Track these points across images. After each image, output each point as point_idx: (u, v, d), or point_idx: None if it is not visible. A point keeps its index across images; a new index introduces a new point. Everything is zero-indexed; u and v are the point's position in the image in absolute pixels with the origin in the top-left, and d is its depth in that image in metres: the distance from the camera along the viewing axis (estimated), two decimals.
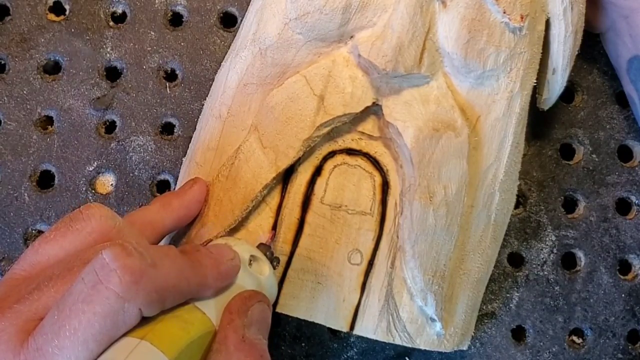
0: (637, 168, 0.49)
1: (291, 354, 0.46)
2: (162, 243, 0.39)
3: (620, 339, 0.47)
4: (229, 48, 0.44)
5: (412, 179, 0.38)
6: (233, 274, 0.32)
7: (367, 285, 0.40)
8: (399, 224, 0.39)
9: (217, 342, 0.29)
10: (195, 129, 0.44)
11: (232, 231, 0.39)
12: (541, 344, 0.47)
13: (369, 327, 0.39)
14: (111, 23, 0.49)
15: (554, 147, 0.49)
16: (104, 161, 0.47)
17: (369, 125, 0.41)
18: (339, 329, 0.40)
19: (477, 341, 0.46)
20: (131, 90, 0.48)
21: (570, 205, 0.49)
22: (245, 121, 0.39)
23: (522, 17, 0.37)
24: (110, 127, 0.48)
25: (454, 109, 0.39)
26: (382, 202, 0.40)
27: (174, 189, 0.47)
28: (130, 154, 0.47)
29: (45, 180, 0.47)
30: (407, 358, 0.46)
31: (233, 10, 0.49)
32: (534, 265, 0.47)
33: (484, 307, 0.46)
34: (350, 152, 0.40)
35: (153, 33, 0.48)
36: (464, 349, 0.41)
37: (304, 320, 0.39)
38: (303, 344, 0.46)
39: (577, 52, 0.42)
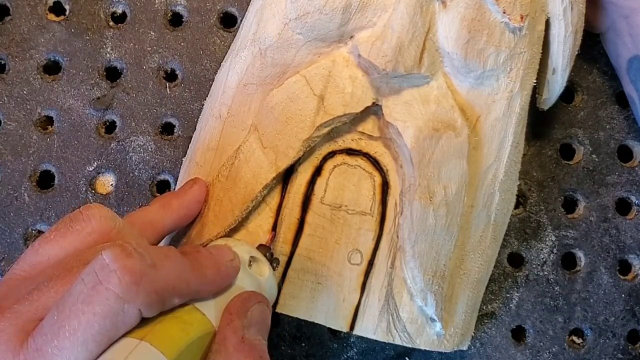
0: (637, 168, 0.49)
1: (291, 354, 0.46)
2: (162, 243, 0.39)
3: (620, 339, 0.47)
4: (229, 48, 0.44)
5: (412, 179, 0.38)
6: (233, 275, 0.32)
7: (367, 285, 0.40)
8: (399, 224, 0.39)
9: (217, 342, 0.29)
10: (195, 129, 0.44)
11: (232, 231, 0.39)
12: (541, 344, 0.47)
13: (369, 327, 0.39)
14: (111, 23, 0.49)
15: (554, 147, 0.49)
16: (104, 161, 0.47)
17: (369, 125, 0.41)
18: (339, 329, 0.40)
19: (477, 341, 0.46)
20: (131, 90, 0.48)
21: (570, 205, 0.49)
22: (245, 121, 0.39)
23: (522, 17, 0.37)
24: (110, 127, 0.48)
25: (454, 109, 0.39)
26: (382, 202, 0.40)
27: (174, 189, 0.47)
28: (130, 154, 0.47)
29: (45, 180, 0.47)
30: (407, 358, 0.46)
31: (233, 10, 0.49)
32: (534, 265, 0.47)
33: (484, 307, 0.46)
34: (350, 152, 0.40)
35: (153, 33, 0.48)
36: (464, 349, 0.41)
37: (304, 320, 0.39)
38: (303, 344, 0.46)
39: (577, 52, 0.42)
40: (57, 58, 0.48)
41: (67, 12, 0.49)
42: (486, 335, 0.46)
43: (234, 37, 0.43)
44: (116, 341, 0.26)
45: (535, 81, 0.41)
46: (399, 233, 0.39)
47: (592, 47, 0.49)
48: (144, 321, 0.27)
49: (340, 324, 0.39)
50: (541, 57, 0.41)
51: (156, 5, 0.49)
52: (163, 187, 0.48)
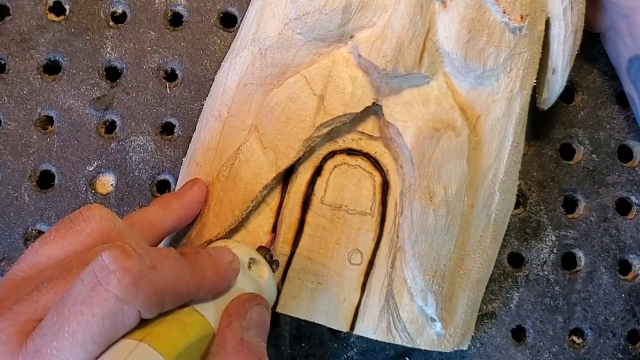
0: (637, 168, 0.48)
1: (291, 354, 0.46)
2: (162, 244, 0.39)
3: (620, 339, 0.47)
4: (229, 48, 0.44)
5: (412, 179, 0.38)
6: (232, 276, 0.32)
7: (367, 285, 0.40)
8: (399, 224, 0.39)
9: (216, 344, 0.29)
10: (195, 129, 0.44)
11: (232, 231, 0.39)
12: (541, 344, 0.47)
13: (369, 327, 0.39)
14: (111, 23, 0.49)
15: (554, 147, 0.49)
16: (104, 161, 0.47)
17: (369, 125, 0.40)
18: (339, 329, 0.40)
19: (477, 341, 0.46)
20: (131, 90, 0.48)
21: (570, 205, 0.49)
22: (245, 121, 0.39)
23: (522, 17, 0.37)
24: (110, 127, 0.48)
25: (454, 109, 0.39)
26: (382, 202, 0.40)
27: (174, 189, 0.47)
28: (130, 154, 0.47)
29: (45, 180, 0.47)
30: (407, 358, 0.46)
31: (233, 10, 0.49)
32: (534, 265, 0.47)
33: (484, 307, 0.46)
34: (350, 152, 0.40)
35: (153, 33, 0.48)
36: (464, 349, 0.41)
37: (304, 320, 0.39)
38: (303, 344, 0.46)
39: (577, 52, 0.42)
40: (57, 58, 0.48)
41: (67, 12, 0.49)
42: (486, 335, 0.47)
43: (234, 37, 0.43)
44: (115, 342, 0.26)
45: (535, 81, 0.41)
46: (399, 233, 0.39)
47: (592, 47, 0.49)
48: (143, 322, 0.27)
49: (341, 324, 0.39)
50: (541, 57, 0.41)
51: (156, 5, 0.49)
52: (163, 187, 0.48)
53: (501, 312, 0.47)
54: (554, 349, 0.46)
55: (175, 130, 0.48)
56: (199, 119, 0.44)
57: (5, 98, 0.48)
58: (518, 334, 0.47)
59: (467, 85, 0.39)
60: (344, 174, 0.40)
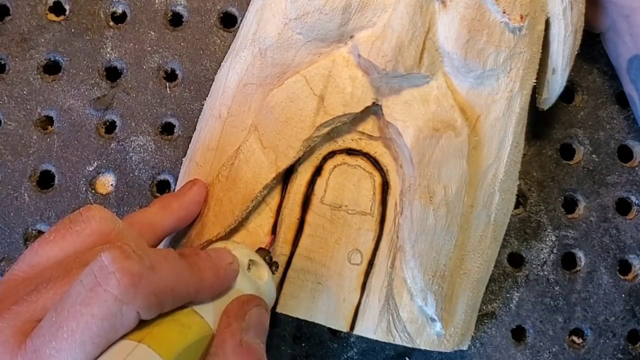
0: (637, 168, 0.48)
1: (291, 354, 0.46)
2: (162, 244, 0.39)
3: (620, 339, 0.47)
4: (229, 48, 0.44)
5: (412, 179, 0.38)
6: (231, 278, 0.32)
7: (367, 285, 0.40)
8: (399, 224, 0.39)
9: (215, 346, 0.29)
10: (195, 129, 0.44)
11: (232, 231, 0.39)
12: (541, 344, 0.47)
13: (369, 327, 0.39)
14: (111, 23, 0.49)
15: (554, 147, 0.49)
16: (104, 161, 0.47)
17: (369, 125, 0.40)
18: (339, 329, 0.40)
19: (477, 341, 0.46)
20: (131, 90, 0.48)
21: (570, 205, 0.49)
22: (245, 121, 0.39)
23: (521, 17, 0.37)
24: (110, 127, 0.48)
25: (454, 109, 0.39)
26: (382, 202, 0.40)
27: (174, 189, 0.47)
28: (130, 154, 0.47)
29: (45, 180, 0.47)
30: (407, 358, 0.46)
31: (233, 10, 0.49)
32: (534, 265, 0.47)
33: (484, 307, 0.46)
34: (350, 152, 0.40)
35: (153, 33, 0.48)
36: (464, 349, 0.41)
37: (304, 320, 0.39)
38: (303, 344, 0.46)
39: (577, 52, 0.42)
40: (57, 58, 0.48)
41: (67, 12, 0.49)
42: (486, 335, 0.46)
43: (234, 37, 0.43)
44: (114, 343, 0.26)
45: (535, 81, 0.41)
46: (399, 233, 0.39)
47: (592, 47, 0.49)
48: (142, 323, 0.27)
49: (341, 324, 0.39)
50: (541, 57, 0.41)
51: (156, 5, 0.49)
52: (163, 187, 0.48)
53: (501, 312, 0.47)
54: (554, 349, 0.46)
55: (175, 130, 0.48)
56: (199, 119, 0.44)
57: (5, 98, 0.48)
58: (518, 334, 0.47)
59: (467, 85, 0.39)
60: (343, 174, 0.40)
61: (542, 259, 0.47)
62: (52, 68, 0.49)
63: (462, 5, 0.37)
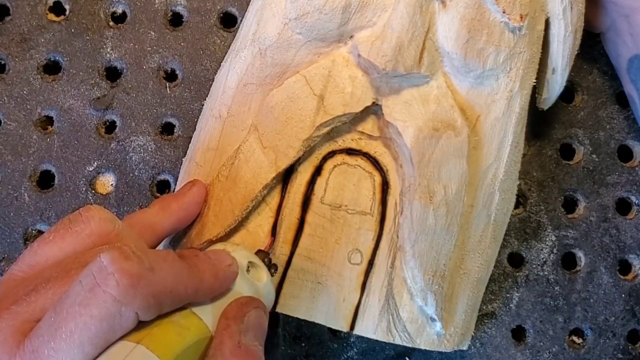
0: (637, 168, 0.48)
1: (291, 354, 0.46)
2: (161, 244, 0.39)
3: (620, 339, 0.47)
4: (229, 48, 0.44)
5: (412, 179, 0.38)
6: (230, 280, 0.32)
7: (367, 285, 0.40)
8: (399, 224, 0.39)
9: (213, 347, 0.29)
10: (195, 129, 0.44)
11: (232, 231, 0.39)
12: (541, 344, 0.47)
13: (369, 327, 0.39)
14: (111, 23, 0.49)
15: (554, 147, 0.49)
16: (104, 161, 0.47)
17: (369, 125, 0.40)
18: (339, 329, 0.40)
19: (477, 341, 0.46)
20: (131, 90, 0.48)
21: (570, 205, 0.49)
22: (245, 121, 0.39)
23: (521, 17, 0.37)
24: (110, 127, 0.48)
25: (454, 109, 0.39)
26: (382, 202, 0.40)
27: (174, 189, 0.47)
28: (130, 154, 0.47)
29: (45, 180, 0.48)
30: (407, 358, 0.46)
31: (233, 10, 0.49)
32: (534, 265, 0.47)
33: (484, 307, 0.46)
34: (350, 152, 0.40)
35: (153, 33, 0.48)
36: (464, 349, 0.41)
37: (304, 320, 0.39)
38: (303, 344, 0.46)
39: (577, 52, 0.42)
40: (57, 58, 0.48)
41: (67, 12, 0.49)
42: (486, 335, 0.46)
43: (234, 37, 0.43)
44: (113, 344, 0.26)
45: (535, 81, 0.41)
46: (399, 233, 0.39)
47: (592, 47, 0.49)
48: (140, 324, 0.27)
49: (341, 324, 0.39)
50: (541, 57, 0.41)
51: (156, 5, 0.49)
52: (163, 187, 0.48)
53: (501, 312, 0.47)
54: (554, 349, 0.46)
55: (175, 130, 0.48)
56: (199, 119, 0.44)
57: (5, 98, 0.48)
58: (518, 334, 0.47)
59: (467, 85, 0.39)
60: (343, 173, 0.40)
61: (542, 259, 0.47)
62: (52, 68, 0.49)
63: (462, 5, 0.37)
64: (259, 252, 0.37)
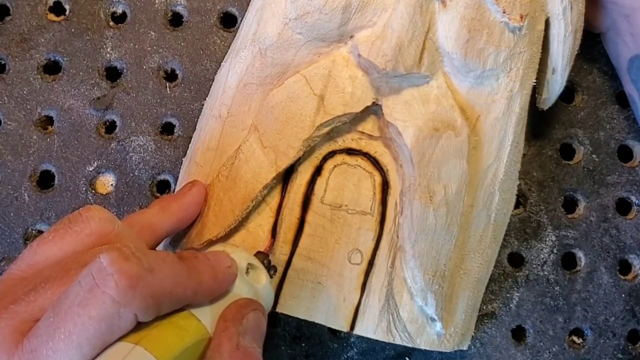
0: (637, 168, 0.48)
1: (291, 354, 0.46)
2: (161, 244, 0.39)
3: (620, 339, 0.47)
4: (229, 48, 0.44)
5: (412, 179, 0.38)
6: (230, 281, 0.32)
7: (367, 285, 0.40)
8: (399, 224, 0.39)
9: (212, 349, 0.29)
10: (195, 129, 0.44)
11: (232, 231, 0.39)
12: (541, 344, 0.47)
13: (369, 327, 0.39)
14: (111, 23, 0.49)
15: (554, 147, 0.49)
16: (104, 161, 0.47)
17: (369, 125, 0.40)
18: (339, 329, 0.40)
19: (477, 341, 0.46)
20: (131, 90, 0.48)
21: (570, 205, 0.49)
22: (245, 121, 0.39)
23: (521, 17, 0.37)
24: (110, 127, 0.48)
25: (454, 109, 0.39)
26: (382, 201, 0.40)
27: (174, 189, 0.47)
28: (130, 154, 0.47)
29: (45, 180, 0.47)
30: (407, 358, 0.46)
31: (233, 10, 0.49)
32: (534, 265, 0.47)
33: (484, 307, 0.46)
34: (350, 152, 0.40)
35: (153, 33, 0.48)
36: (464, 349, 0.41)
37: (304, 320, 0.39)
38: (303, 344, 0.46)
39: (577, 52, 0.42)
40: (57, 58, 0.48)
41: (67, 12, 0.49)
42: (486, 335, 0.46)
43: (234, 37, 0.43)
44: (111, 345, 0.26)
45: (535, 81, 0.41)
46: (399, 233, 0.39)
47: (592, 47, 0.49)
48: (139, 325, 0.27)
49: (341, 324, 0.39)
50: (541, 57, 0.41)
51: (156, 5, 0.49)
52: (163, 187, 0.48)
53: (501, 312, 0.47)
54: (554, 349, 0.46)
55: (175, 130, 0.48)
56: (199, 119, 0.44)
57: (5, 98, 0.48)
58: (518, 334, 0.47)
59: (467, 85, 0.39)
60: (343, 173, 0.40)
61: (542, 259, 0.47)
62: (52, 68, 0.49)
63: (462, 5, 0.37)
64: (258, 254, 0.37)
